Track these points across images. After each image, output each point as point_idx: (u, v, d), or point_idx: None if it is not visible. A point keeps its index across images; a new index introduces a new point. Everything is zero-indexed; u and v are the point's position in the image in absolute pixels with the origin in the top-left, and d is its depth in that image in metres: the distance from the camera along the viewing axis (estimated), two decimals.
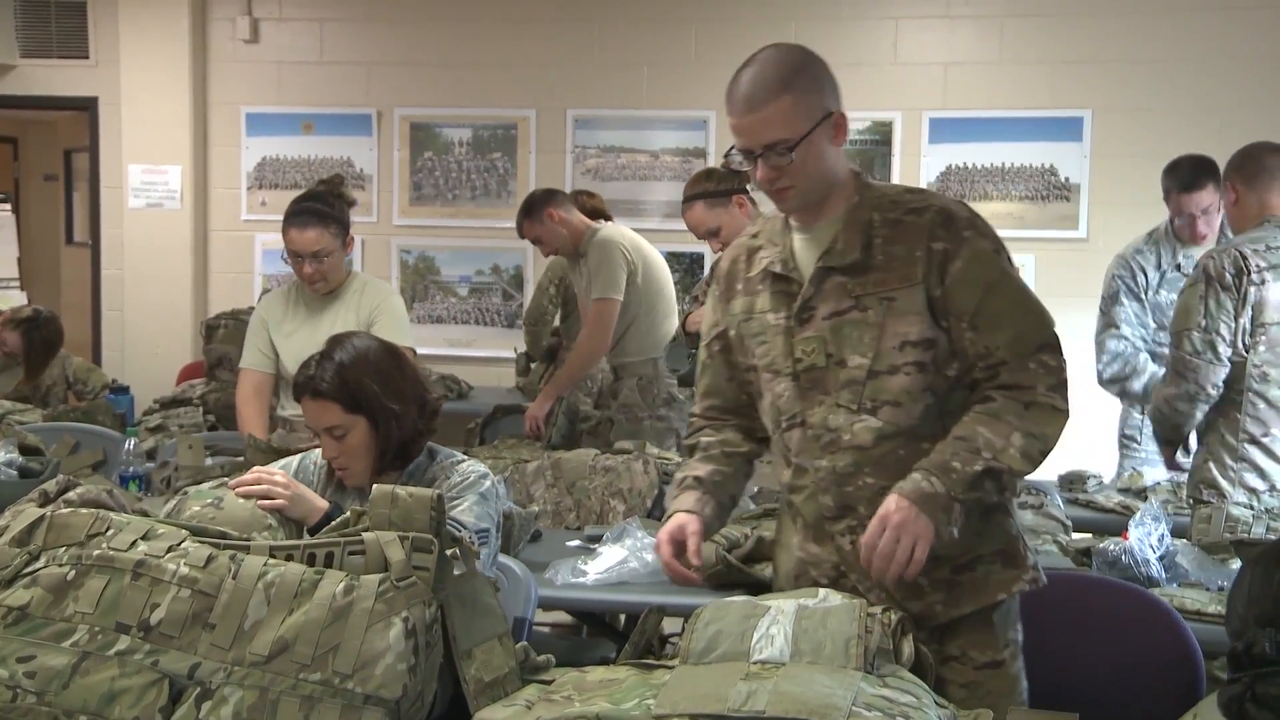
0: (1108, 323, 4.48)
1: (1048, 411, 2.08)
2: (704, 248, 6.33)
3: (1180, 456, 3.80)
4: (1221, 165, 4.32)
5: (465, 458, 2.76)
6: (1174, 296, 4.31)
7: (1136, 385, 4.44)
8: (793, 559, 2.28)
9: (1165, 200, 4.42)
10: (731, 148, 4.09)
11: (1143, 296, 4.43)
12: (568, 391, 4.72)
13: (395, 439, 2.66)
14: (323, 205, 3.76)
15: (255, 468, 2.59)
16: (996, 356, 2.10)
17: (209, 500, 2.38)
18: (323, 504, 2.52)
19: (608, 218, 5.29)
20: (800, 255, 2.21)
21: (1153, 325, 4.44)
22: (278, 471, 2.54)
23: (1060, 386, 2.11)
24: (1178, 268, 4.37)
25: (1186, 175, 4.29)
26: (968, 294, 2.10)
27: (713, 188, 3.96)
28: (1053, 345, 2.12)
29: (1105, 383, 4.52)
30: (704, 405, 2.41)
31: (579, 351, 4.87)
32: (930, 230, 2.12)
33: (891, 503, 2.05)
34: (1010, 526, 2.23)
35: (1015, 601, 2.24)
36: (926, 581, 2.15)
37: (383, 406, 2.63)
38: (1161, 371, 4.37)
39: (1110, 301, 4.48)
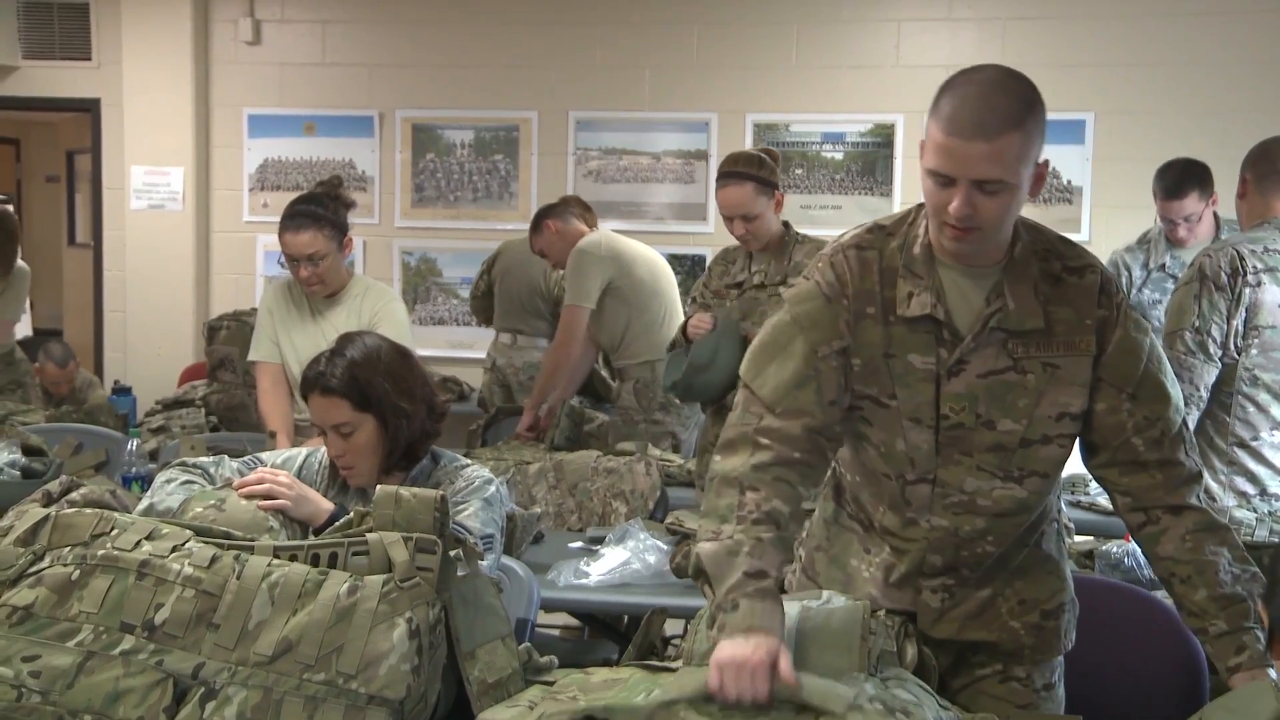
0: None
1: (1203, 487, 2.04)
2: (706, 250, 6.37)
3: None
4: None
5: (470, 462, 2.75)
6: (1156, 296, 4.33)
7: None
8: (859, 589, 2.11)
9: (1154, 200, 4.45)
10: (764, 146, 4.02)
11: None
12: (546, 399, 4.75)
13: (403, 439, 2.64)
14: (318, 207, 3.73)
15: (260, 468, 2.59)
16: (1158, 428, 2.00)
17: (211, 501, 2.38)
18: (328, 505, 2.51)
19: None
20: (954, 300, 1.98)
21: None
22: (282, 472, 2.53)
23: (1193, 447, 2.06)
24: (1162, 268, 4.38)
25: (1171, 182, 4.31)
26: (1131, 363, 1.99)
27: (765, 176, 3.79)
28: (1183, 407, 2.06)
29: None
30: (788, 428, 1.95)
31: (546, 358, 4.99)
32: (1096, 297, 1.99)
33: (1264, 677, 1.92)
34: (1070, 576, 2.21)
35: None
36: (1020, 625, 2.10)
37: (393, 406, 2.62)
38: None
39: None
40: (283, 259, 3.77)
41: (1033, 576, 2.10)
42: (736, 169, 3.80)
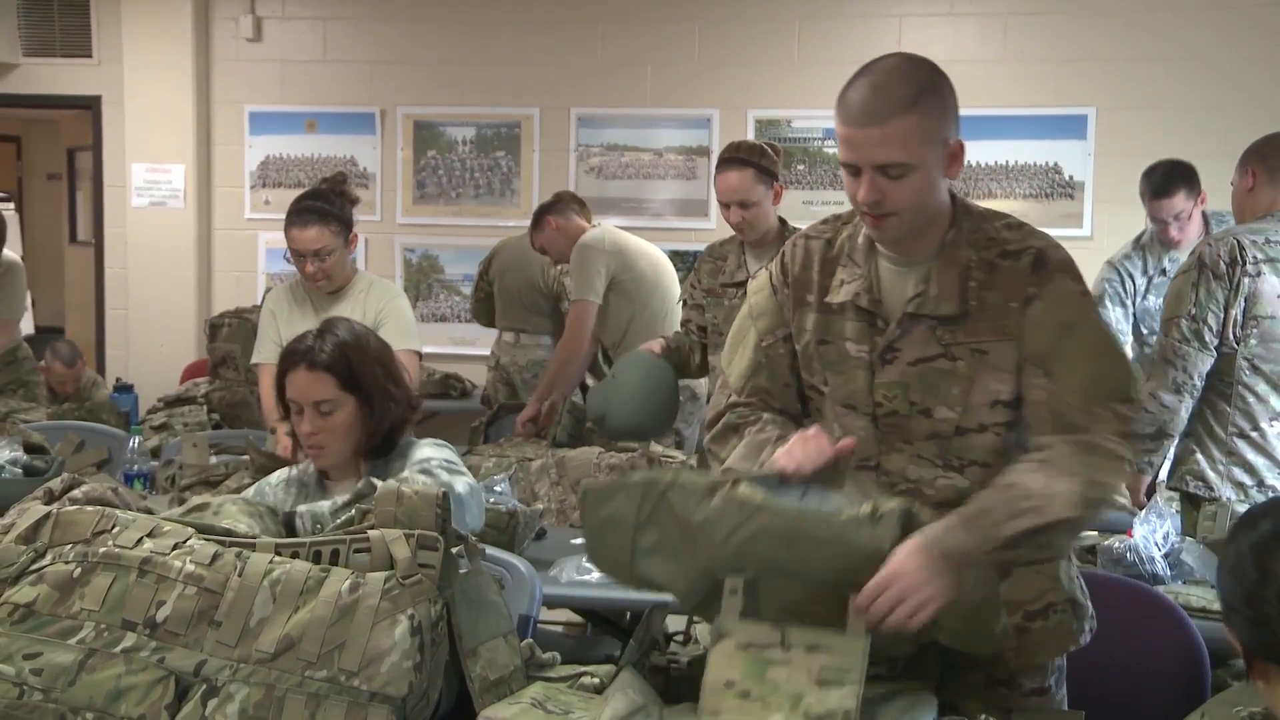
0: None
1: (1110, 458, 1.89)
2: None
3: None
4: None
5: (419, 440, 2.80)
6: (1161, 302, 4.31)
7: None
8: None
9: (1142, 202, 4.43)
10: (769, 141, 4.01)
11: (1128, 303, 4.44)
12: (552, 393, 4.73)
13: (386, 424, 2.67)
14: (325, 203, 3.76)
15: None
16: (1066, 402, 1.91)
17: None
18: None
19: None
20: (888, 288, 2.02)
21: (1143, 331, 4.45)
22: None
23: (1128, 436, 1.91)
24: (1163, 272, 4.38)
25: (1159, 181, 4.31)
26: (1044, 335, 1.93)
27: (767, 165, 3.74)
28: (1129, 397, 1.93)
29: None
30: (754, 399, 2.12)
31: (557, 353, 4.97)
32: (1027, 276, 1.95)
33: (907, 560, 1.77)
34: (1076, 574, 2.12)
35: None
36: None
37: (382, 389, 2.65)
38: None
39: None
40: (288, 254, 3.79)
41: (1016, 576, 2.02)
42: (738, 155, 3.77)
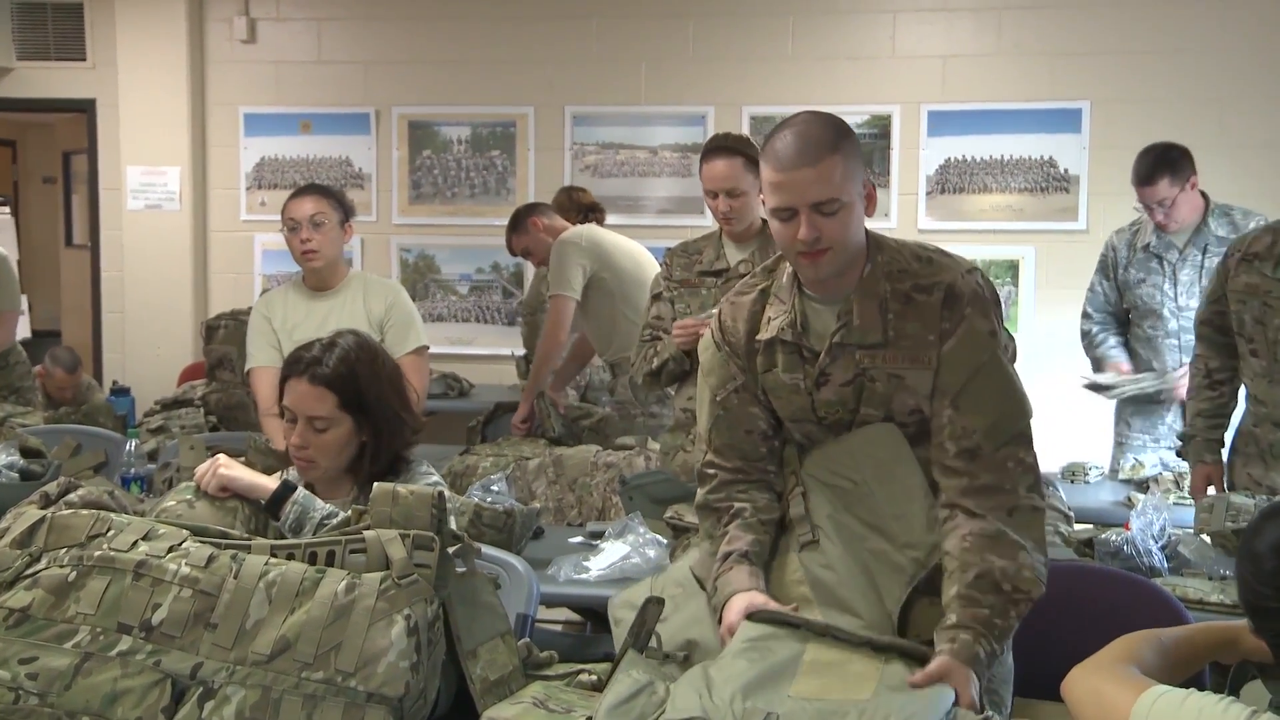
0: (1085, 307, 4.63)
1: (1030, 514, 2.09)
2: None
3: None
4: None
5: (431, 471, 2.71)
6: (1141, 275, 4.35)
7: (1094, 356, 4.58)
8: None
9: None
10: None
11: (1112, 274, 4.47)
12: (544, 388, 4.74)
13: (392, 450, 2.59)
14: (324, 187, 3.93)
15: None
16: (973, 440, 2.10)
17: (187, 497, 2.35)
18: (270, 483, 2.41)
19: (600, 211, 5.34)
20: (814, 321, 2.20)
21: (1121, 303, 4.48)
22: (222, 456, 2.46)
23: (1037, 484, 2.12)
24: (1147, 248, 4.37)
25: (1144, 169, 4.27)
26: (956, 373, 2.12)
27: (755, 155, 3.57)
28: (1026, 437, 2.13)
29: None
30: (723, 460, 2.29)
31: (538, 349, 4.96)
32: (940, 312, 2.14)
33: (948, 667, 1.96)
34: None
35: None
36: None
37: (390, 414, 2.56)
38: (1113, 349, 4.47)
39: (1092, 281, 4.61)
40: (285, 230, 3.82)
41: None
42: (726, 143, 3.70)
